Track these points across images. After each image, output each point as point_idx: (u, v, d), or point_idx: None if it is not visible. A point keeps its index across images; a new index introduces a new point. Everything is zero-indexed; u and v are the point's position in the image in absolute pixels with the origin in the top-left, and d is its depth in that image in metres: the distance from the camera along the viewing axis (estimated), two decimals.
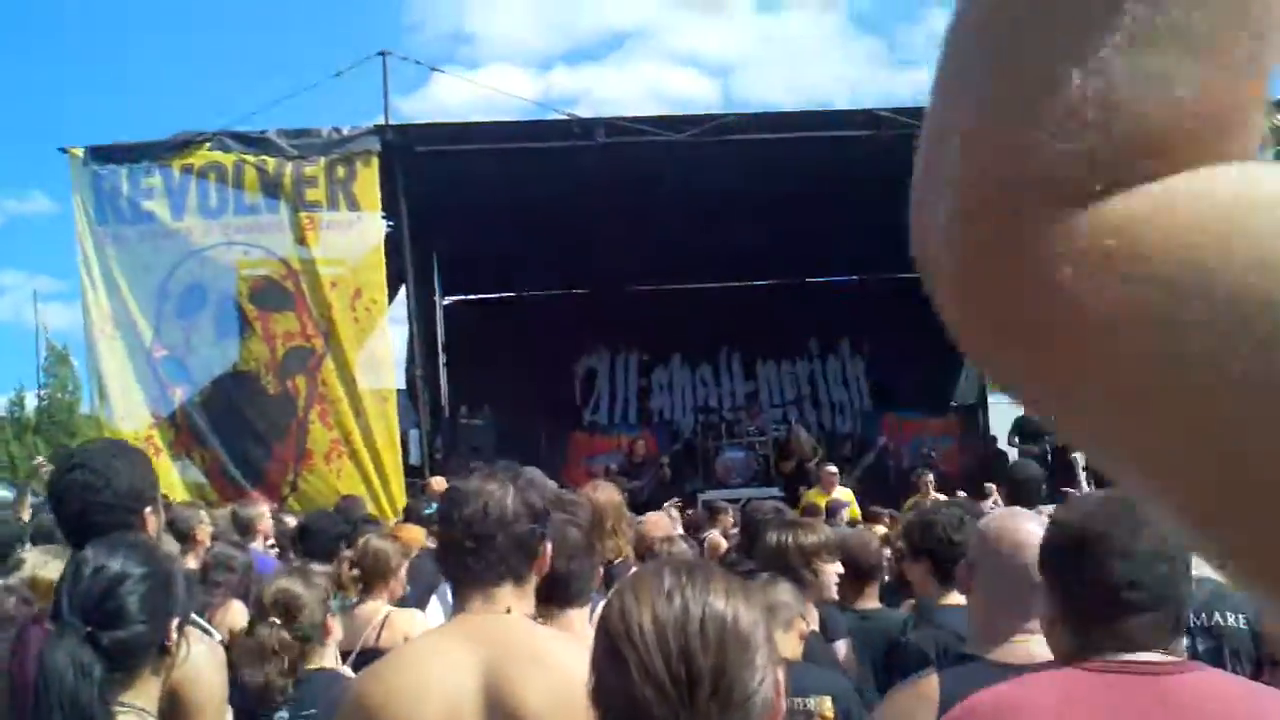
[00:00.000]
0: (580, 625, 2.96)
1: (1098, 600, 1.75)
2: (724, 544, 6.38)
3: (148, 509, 2.74)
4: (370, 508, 9.37)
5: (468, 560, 2.25)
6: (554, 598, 2.97)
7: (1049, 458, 14.76)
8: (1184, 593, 1.78)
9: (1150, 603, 1.73)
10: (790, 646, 3.26)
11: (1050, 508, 4.07)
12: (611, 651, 1.41)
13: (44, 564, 3.27)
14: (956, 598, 3.21)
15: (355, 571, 4.25)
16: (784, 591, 3.44)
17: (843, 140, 11.84)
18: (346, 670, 3.57)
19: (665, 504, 9.59)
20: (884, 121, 11.72)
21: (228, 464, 10.69)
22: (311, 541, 5.75)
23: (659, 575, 1.46)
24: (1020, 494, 5.71)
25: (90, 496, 2.66)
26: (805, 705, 3.14)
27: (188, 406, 10.77)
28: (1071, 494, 4.77)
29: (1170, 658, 1.72)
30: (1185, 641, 2.67)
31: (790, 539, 3.96)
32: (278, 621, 3.39)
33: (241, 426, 10.78)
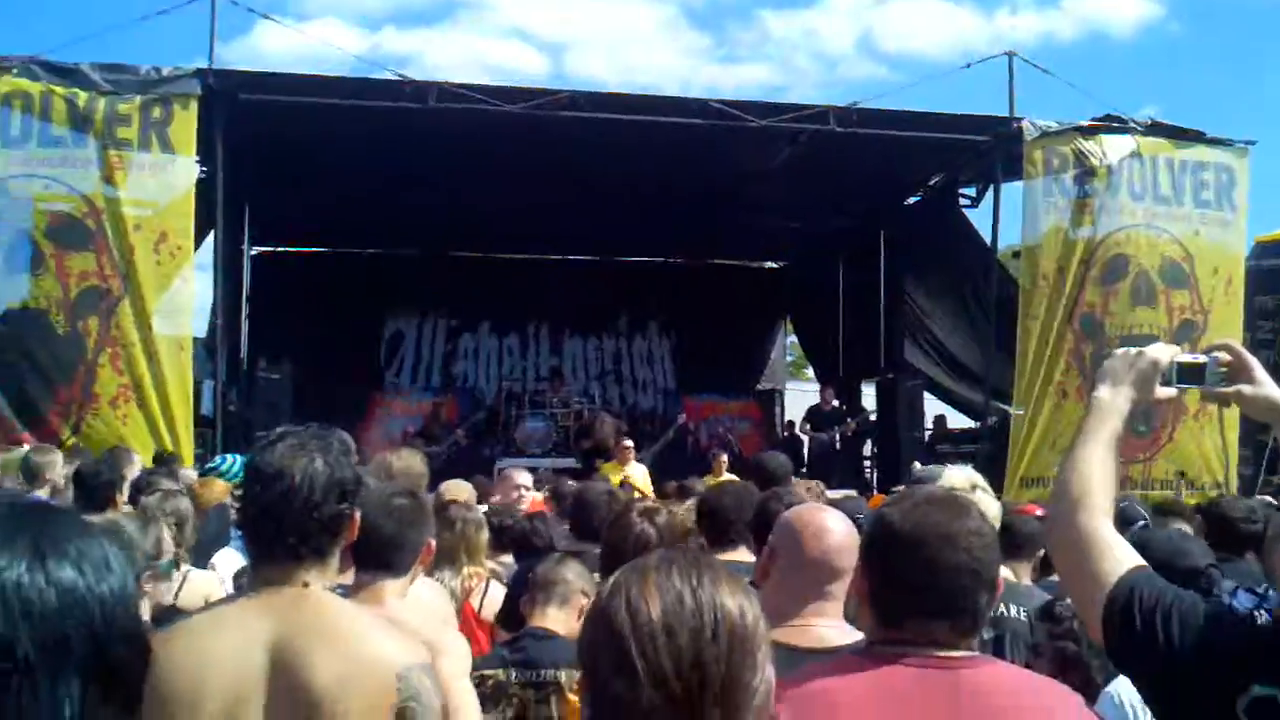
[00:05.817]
0: (391, 596, 2.90)
1: (900, 599, 1.95)
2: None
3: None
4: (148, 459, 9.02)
5: (270, 541, 2.19)
6: (372, 564, 2.91)
7: (836, 446, 15.61)
8: (982, 603, 1.94)
9: (947, 610, 1.91)
10: (566, 623, 3.39)
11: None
12: (614, 650, 1.32)
13: None
14: None
15: (174, 531, 4.20)
16: (570, 570, 3.56)
17: (671, 126, 12.01)
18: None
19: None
20: (714, 111, 12.00)
21: (1, 403, 10.18)
22: (86, 489, 5.45)
23: (667, 570, 1.38)
24: (768, 482, 5.76)
25: None
26: (555, 677, 3.28)
27: None
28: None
29: (964, 652, 1.91)
30: None
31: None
32: None
33: (25, 364, 10.27)
